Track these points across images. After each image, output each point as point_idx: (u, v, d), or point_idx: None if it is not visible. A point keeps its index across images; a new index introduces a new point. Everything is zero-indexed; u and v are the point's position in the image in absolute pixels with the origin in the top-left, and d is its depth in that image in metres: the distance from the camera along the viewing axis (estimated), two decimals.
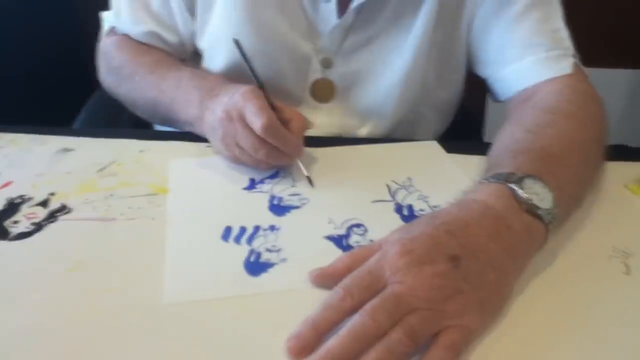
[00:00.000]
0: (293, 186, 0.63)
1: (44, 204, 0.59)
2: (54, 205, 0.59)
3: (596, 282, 0.51)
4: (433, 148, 0.72)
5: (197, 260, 0.52)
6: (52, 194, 0.61)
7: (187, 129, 0.70)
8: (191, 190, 0.63)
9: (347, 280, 0.44)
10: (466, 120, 0.91)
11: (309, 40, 0.74)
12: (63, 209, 0.58)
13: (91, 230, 0.56)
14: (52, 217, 0.57)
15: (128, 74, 0.76)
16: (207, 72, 0.76)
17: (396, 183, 0.64)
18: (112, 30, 0.81)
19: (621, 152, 0.66)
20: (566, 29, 0.70)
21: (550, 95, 0.66)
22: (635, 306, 0.48)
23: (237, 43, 0.65)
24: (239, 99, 0.61)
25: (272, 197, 0.61)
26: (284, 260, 0.52)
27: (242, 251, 0.53)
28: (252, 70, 0.64)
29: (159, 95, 0.72)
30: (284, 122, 0.62)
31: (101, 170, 0.65)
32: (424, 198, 0.61)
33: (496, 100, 0.77)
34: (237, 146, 0.62)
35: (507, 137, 0.61)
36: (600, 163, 0.60)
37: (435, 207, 0.60)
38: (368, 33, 0.73)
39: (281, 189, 0.63)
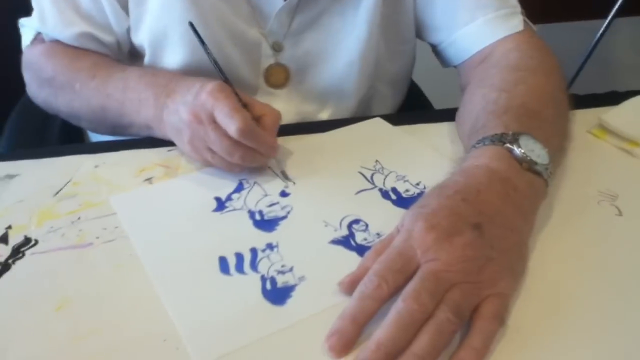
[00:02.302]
0: (266, 195, 0.58)
1: (3, 239, 0.52)
2: (15, 239, 0.52)
3: (595, 228, 0.52)
4: (380, 124, 0.69)
5: (208, 306, 0.45)
6: (9, 227, 0.54)
7: (144, 132, 0.65)
8: (154, 227, 0.54)
9: (378, 266, 0.43)
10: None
11: (255, 24, 0.71)
12: (28, 243, 0.52)
13: (68, 261, 0.50)
14: (17, 253, 0.51)
15: (65, 83, 0.68)
16: (156, 68, 0.70)
17: (367, 168, 0.61)
18: (37, 38, 0.72)
19: (576, 101, 0.68)
20: None
21: (509, 53, 0.67)
22: (633, 243, 0.50)
23: (192, 26, 0.59)
24: (208, 99, 0.56)
25: (252, 213, 0.55)
26: (302, 278, 0.47)
27: (252, 280, 0.47)
28: (212, 60, 0.59)
29: (106, 101, 0.66)
30: (256, 119, 0.58)
31: (57, 193, 0.58)
32: (402, 178, 0.59)
33: (447, 65, 0.78)
34: (208, 150, 0.58)
35: (479, 99, 0.61)
36: (569, 112, 0.62)
37: (417, 184, 0.59)
38: (315, 12, 0.71)
39: (255, 201, 0.57)
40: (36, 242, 0.52)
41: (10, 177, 0.60)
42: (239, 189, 0.59)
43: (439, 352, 0.39)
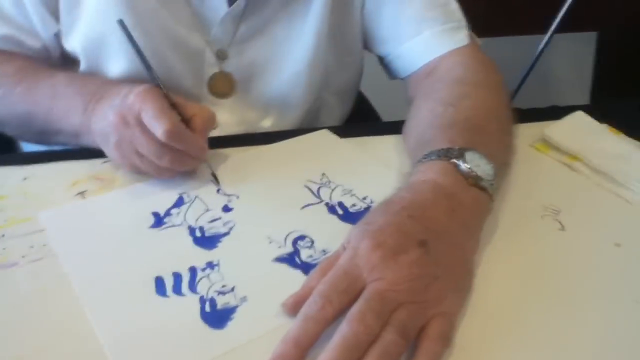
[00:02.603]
0: (208, 210, 0.55)
1: None
2: None
3: (538, 242, 0.52)
4: (326, 136, 0.68)
5: (143, 331, 0.42)
6: None
7: (73, 141, 0.62)
8: (86, 245, 0.51)
9: (322, 287, 0.41)
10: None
11: (198, 32, 0.68)
12: None
13: None
14: None
15: None
16: (86, 75, 0.67)
17: (314, 182, 0.59)
18: None
19: (519, 115, 0.69)
20: (455, 1, 0.72)
21: (455, 67, 0.67)
22: (576, 258, 0.51)
23: (121, 24, 0.57)
24: (135, 101, 0.54)
25: (192, 229, 0.52)
26: (244, 299, 0.45)
27: (191, 302, 0.45)
28: (142, 59, 0.57)
29: (32, 108, 0.63)
30: (187, 121, 0.56)
31: None
32: (349, 192, 0.58)
33: (393, 77, 0.77)
34: (136, 154, 0.55)
35: (426, 113, 0.61)
36: (513, 126, 0.62)
37: (364, 198, 0.57)
38: (261, 20, 0.69)
39: (196, 216, 0.54)
40: None
41: None
42: (178, 203, 0.56)
43: None
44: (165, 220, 0.54)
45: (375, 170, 0.62)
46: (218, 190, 0.58)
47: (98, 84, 0.62)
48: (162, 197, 0.57)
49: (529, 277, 0.48)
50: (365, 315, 0.39)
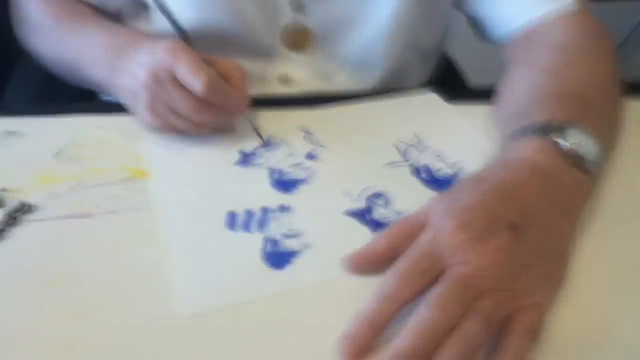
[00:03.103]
0: (291, 155, 0.56)
1: None
2: (11, 203, 0.49)
3: None
4: (430, 98, 0.65)
5: (206, 258, 0.45)
6: (4, 189, 0.50)
7: (102, 91, 0.62)
8: (174, 174, 0.53)
9: (401, 265, 0.38)
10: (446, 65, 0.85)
11: None
12: (24, 208, 0.48)
13: (67, 231, 0.46)
14: (12, 219, 0.47)
15: (37, 25, 0.67)
16: (120, 26, 0.65)
17: (404, 142, 0.57)
18: None
19: (631, 89, 0.61)
20: None
21: (558, 32, 0.60)
22: None
23: None
24: (166, 57, 0.52)
25: (272, 171, 0.53)
26: (307, 246, 0.45)
27: (255, 240, 0.46)
28: (168, 16, 0.55)
29: (65, 52, 0.63)
30: (221, 76, 0.54)
31: (60, 154, 0.54)
32: (438, 156, 0.55)
33: (487, 40, 0.71)
34: (172, 112, 0.54)
35: (523, 81, 0.56)
36: (621, 101, 0.56)
37: (453, 164, 0.54)
38: None
39: (278, 159, 0.55)
40: (33, 207, 0.48)
41: (10, 134, 0.56)
42: (265, 144, 0.57)
43: None
44: (250, 159, 0.55)
45: (470, 137, 0.58)
46: (305, 137, 0.58)
47: (128, 36, 0.60)
48: (249, 137, 0.57)
49: (634, 271, 0.44)
50: (446, 300, 0.36)
